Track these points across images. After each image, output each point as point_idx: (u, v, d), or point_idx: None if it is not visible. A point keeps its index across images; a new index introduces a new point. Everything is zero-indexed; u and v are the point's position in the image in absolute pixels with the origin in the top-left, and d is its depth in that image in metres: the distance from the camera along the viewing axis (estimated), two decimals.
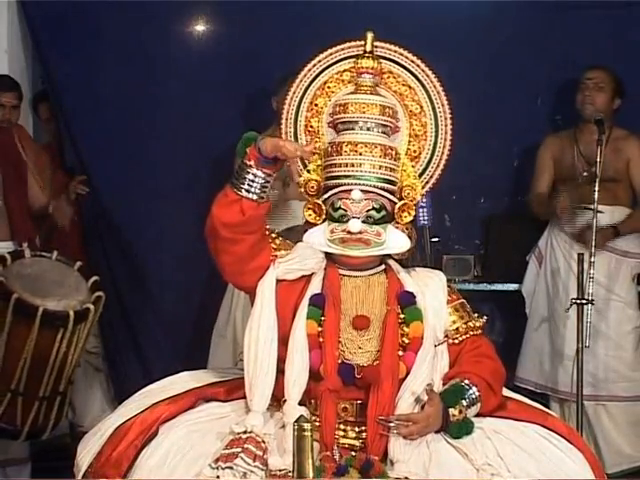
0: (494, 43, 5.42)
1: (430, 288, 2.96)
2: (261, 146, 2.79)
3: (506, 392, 3.03)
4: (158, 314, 5.51)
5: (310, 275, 2.92)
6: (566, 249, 5.08)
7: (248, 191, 2.81)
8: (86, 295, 4.31)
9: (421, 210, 4.93)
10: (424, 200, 4.83)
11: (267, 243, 2.92)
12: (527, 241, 5.37)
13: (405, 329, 2.86)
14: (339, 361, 2.81)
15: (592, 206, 4.67)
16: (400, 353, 2.83)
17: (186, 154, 5.51)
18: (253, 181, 2.80)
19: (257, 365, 2.80)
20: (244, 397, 2.85)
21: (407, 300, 2.89)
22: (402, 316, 2.87)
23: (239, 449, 2.69)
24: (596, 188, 4.64)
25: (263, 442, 2.73)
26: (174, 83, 5.48)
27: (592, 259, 4.62)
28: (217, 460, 2.69)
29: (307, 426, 2.33)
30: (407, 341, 2.85)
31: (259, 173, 2.80)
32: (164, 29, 5.51)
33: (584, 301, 4.54)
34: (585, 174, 4.96)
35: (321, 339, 2.81)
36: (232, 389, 2.96)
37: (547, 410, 3.05)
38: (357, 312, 2.87)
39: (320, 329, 2.82)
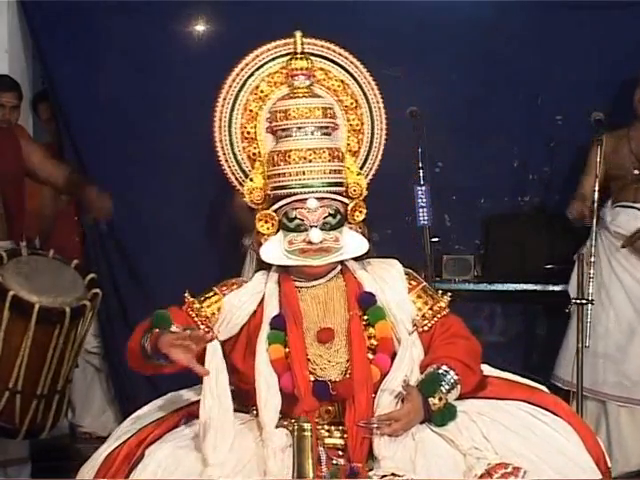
0: (494, 43, 5.41)
1: (388, 282, 2.93)
2: (159, 344, 2.67)
3: (490, 370, 2.99)
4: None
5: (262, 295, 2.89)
6: (612, 253, 5.03)
7: (147, 358, 2.75)
8: (83, 292, 4.32)
9: (421, 210, 4.92)
10: (424, 200, 4.83)
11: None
12: (527, 241, 5.37)
13: (371, 331, 2.84)
14: (312, 379, 2.79)
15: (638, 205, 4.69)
16: (370, 356, 2.81)
17: (186, 154, 5.50)
18: (157, 359, 2.72)
19: (211, 422, 2.72)
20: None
21: (368, 301, 2.87)
22: (365, 318, 2.85)
23: None
24: (596, 188, 4.64)
25: None
26: (174, 83, 5.48)
27: (592, 259, 4.62)
28: None
29: (307, 426, 2.32)
30: (375, 343, 2.83)
31: (157, 359, 2.72)
32: (164, 29, 5.51)
33: (584, 301, 4.53)
34: (636, 172, 4.92)
35: (289, 361, 2.78)
36: None
37: (534, 384, 2.99)
38: (320, 325, 2.84)
39: (286, 350, 2.79)
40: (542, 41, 5.42)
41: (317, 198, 2.86)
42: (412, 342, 2.88)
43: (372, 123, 3.03)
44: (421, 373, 2.85)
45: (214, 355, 2.76)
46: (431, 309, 2.93)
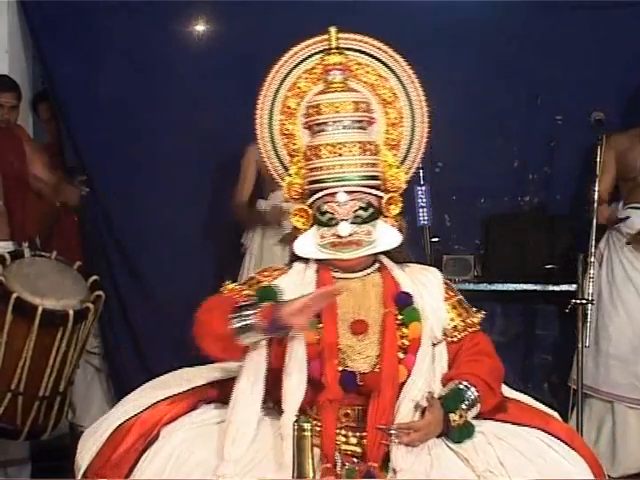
0: (494, 43, 5.41)
1: (427, 286, 2.93)
2: (282, 318, 2.64)
3: (507, 391, 3.00)
4: (158, 314, 5.51)
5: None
6: (623, 253, 5.05)
7: (246, 338, 2.69)
8: (85, 294, 4.32)
9: (421, 210, 4.92)
10: (424, 200, 4.84)
11: None
12: (527, 241, 5.37)
13: (404, 330, 2.83)
14: (340, 369, 2.78)
15: None
16: (400, 356, 2.80)
17: (187, 154, 5.51)
18: (254, 336, 2.69)
19: (233, 416, 2.71)
20: None
21: (404, 301, 2.86)
22: (400, 317, 2.84)
23: None
24: (596, 188, 4.64)
25: None
26: (174, 83, 5.48)
27: (591, 259, 4.63)
28: None
29: (307, 426, 2.32)
30: (407, 343, 2.82)
31: (262, 336, 2.69)
32: (164, 29, 5.51)
33: (584, 301, 4.54)
34: None
35: (320, 348, 2.77)
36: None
37: (548, 411, 3.01)
38: (354, 316, 2.84)
39: (318, 337, 2.78)
40: (542, 41, 5.41)
41: (348, 192, 2.85)
42: (439, 352, 2.88)
43: (412, 117, 3.02)
44: (443, 385, 2.85)
45: (259, 345, 2.73)
46: (464, 322, 2.94)
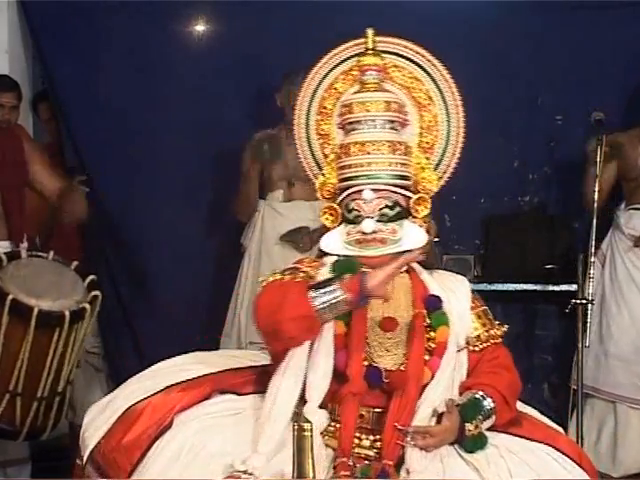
0: (494, 43, 5.40)
1: (455, 293, 2.93)
2: (367, 286, 2.68)
3: (518, 404, 2.98)
4: (158, 314, 5.51)
5: None
6: (626, 254, 5.03)
7: (330, 314, 2.70)
8: (82, 295, 4.30)
9: None
10: None
11: None
12: (527, 241, 5.37)
13: (432, 334, 2.83)
14: (365, 364, 2.79)
15: None
16: (426, 358, 2.81)
17: (187, 154, 5.52)
18: (339, 310, 2.71)
19: (272, 411, 2.72)
20: (261, 391, 2.81)
21: (434, 304, 2.86)
22: (428, 320, 2.84)
23: None
24: (596, 188, 4.64)
25: None
26: (174, 83, 5.48)
27: (592, 259, 4.63)
28: None
29: (307, 426, 2.32)
30: (433, 346, 2.82)
31: (347, 309, 2.72)
32: (164, 29, 5.52)
33: (584, 301, 4.54)
34: None
35: (347, 340, 2.77)
36: (249, 381, 2.91)
37: (558, 429, 3.02)
38: (384, 313, 2.83)
39: (347, 330, 2.78)
40: (542, 41, 5.41)
41: (375, 190, 2.85)
42: (460, 360, 2.88)
43: (448, 121, 3.04)
44: (460, 394, 2.85)
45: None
46: (487, 332, 2.94)
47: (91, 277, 4.37)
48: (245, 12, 5.44)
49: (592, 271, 4.61)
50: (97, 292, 4.31)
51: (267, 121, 5.23)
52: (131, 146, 5.48)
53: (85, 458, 2.82)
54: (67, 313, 4.17)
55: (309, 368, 2.73)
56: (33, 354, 4.15)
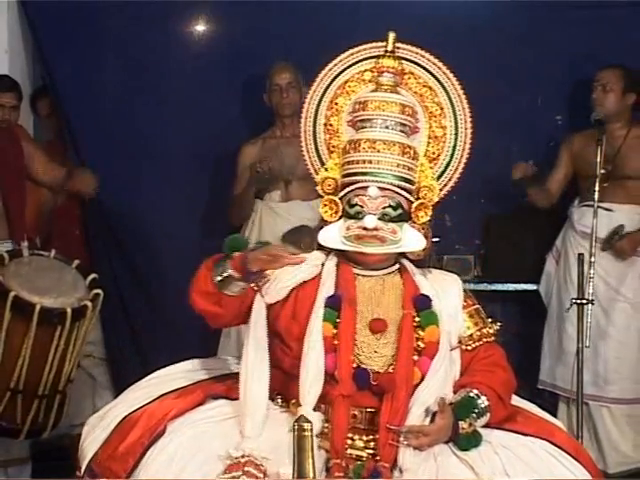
0: (494, 43, 5.41)
1: (446, 292, 2.94)
2: (249, 264, 2.75)
3: (515, 399, 3.00)
4: (160, 314, 5.51)
5: (320, 274, 2.90)
6: (577, 249, 5.01)
7: (229, 290, 2.82)
8: (84, 292, 4.32)
9: None
10: None
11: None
12: (527, 241, 5.37)
13: (420, 333, 2.83)
14: (354, 365, 2.79)
15: (605, 205, 4.75)
16: (415, 358, 2.81)
17: (187, 153, 5.52)
18: (235, 285, 2.80)
19: (247, 392, 2.76)
20: None
21: (423, 304, 2.87)
22: (417, 320, 2.85)
23: (239, 472, 2.63)
24: (596, 188, 4.67)
25: (262, 465, 2.66)
26: (174, 82, 5.49)
27: (592, 259, 4.63)
28: None
29: (307, 426, 2.32)
30: (422, 345, 2.82)
31: (241, 284, 2.80)
32: (164, 29, 5.51)
33: (584, 301, 4.54)
34: (602, 172, 4.93)
35: (336, 342, 2.78)
36: None
37: (555, 422, 3.03)
38: (373, 315, 2.84)
39: (335, 331, 2.79)
40: (542, 41, 5.42)
41: (380, 188, 2.87)
42: (452, 359, 2.88)
43: (456, 134, 3.05)
44: (454, 392, 2.85)
45: (259, 312, 2.83)
46: (479, 331, 2.95)
47: (92, 275, 4.38)
48: (245, 12, 5.44)
49: (592, 271, 4.61)
50: (99, 290, 4.32)
51: (267, 121, 5.25)
52: (131, 146, 5.49)
53: (83, 469, 2.83)
54: (69, 310, 4.18)
55: (300, 371, 2.74)
56: (35, 351, 4.16)
